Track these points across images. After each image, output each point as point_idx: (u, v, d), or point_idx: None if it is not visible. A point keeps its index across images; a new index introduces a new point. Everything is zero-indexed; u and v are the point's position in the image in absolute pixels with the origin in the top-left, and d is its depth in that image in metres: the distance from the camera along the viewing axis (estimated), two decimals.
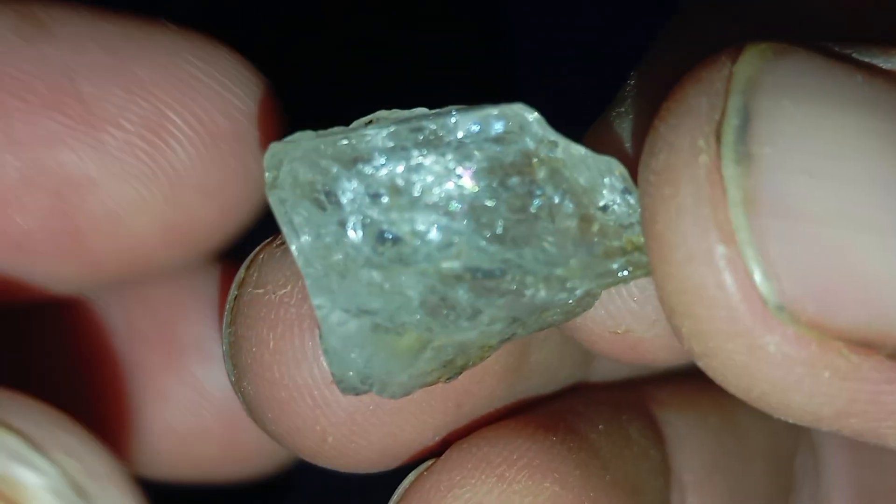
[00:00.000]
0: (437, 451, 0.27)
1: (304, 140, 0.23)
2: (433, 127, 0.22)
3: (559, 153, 0.22)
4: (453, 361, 0.24)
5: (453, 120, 0.22)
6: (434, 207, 0.22)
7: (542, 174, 0.22)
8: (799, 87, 0.20)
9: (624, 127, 0.25)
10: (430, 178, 0.22)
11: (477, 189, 0.22)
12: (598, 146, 0.23)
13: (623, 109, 0.25)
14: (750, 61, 0.20)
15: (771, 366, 0.19)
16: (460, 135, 0.22)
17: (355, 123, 0.23)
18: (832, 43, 0.21)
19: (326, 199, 0.22)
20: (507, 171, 0.22)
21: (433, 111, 0.23)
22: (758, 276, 0.19)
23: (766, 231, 0.19)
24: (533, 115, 0.22)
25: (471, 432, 0.28)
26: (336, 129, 0.23)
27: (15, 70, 0.24)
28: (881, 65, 0.21)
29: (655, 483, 0.29)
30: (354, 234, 0.22)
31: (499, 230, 0.22)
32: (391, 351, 0.23)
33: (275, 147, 0.23)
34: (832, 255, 0.19)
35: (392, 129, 0.22)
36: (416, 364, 0.23)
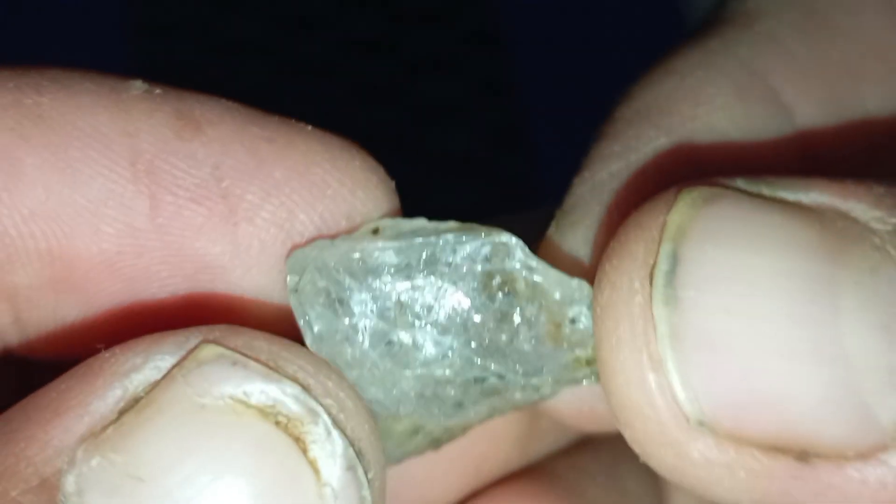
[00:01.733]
0: None
1: (321, 248, 0.28)
2: (432, 249, 0.27)
3: (537, 275, 0.27)
4: (439, 439, 0.30)
5: (449, 244, 0.27)
6: (432, 324, 0.27)
7: (522, 291, 0.27)
8: (722, 233, 0.24)
9: (578, 237, 0.30)
10: (429, 297, 0.27)
11: (468, 306, 0.27)
12: (556, 257, 0.28)
13: (575, 218, 0.30)
14: (681, 210, 0.25)
15: (696, 467, 0.24)
16: (455, 257, 0.27)
17: (362, 229, 0.28)
18: (763, 178, 0.26)
19: (340, 306, 0.27)
20: (492, 290, 0.27)
21: (432, 226, 0.28)
22: (682, 399, 0.24)
23: (688, 362, 0.24)
24: (517, 242, 0.27)
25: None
26: (345, 237, 0.28)
27: (168, 166, 0.28)
28: (802, 199, 0.25)
29: None
30: (363, 339, 0.27)
31: (486, 342, 0.27)
32: (388, 433, 0.29)
33: (297, 254, 0.28)
34: (744, 380, 0.23)
35: (397, 245, 0.27)
36: (409, 444, 0.29)
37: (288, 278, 0.28)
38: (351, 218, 0.29)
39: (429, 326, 0.27)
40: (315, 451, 0.24)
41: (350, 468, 0.24)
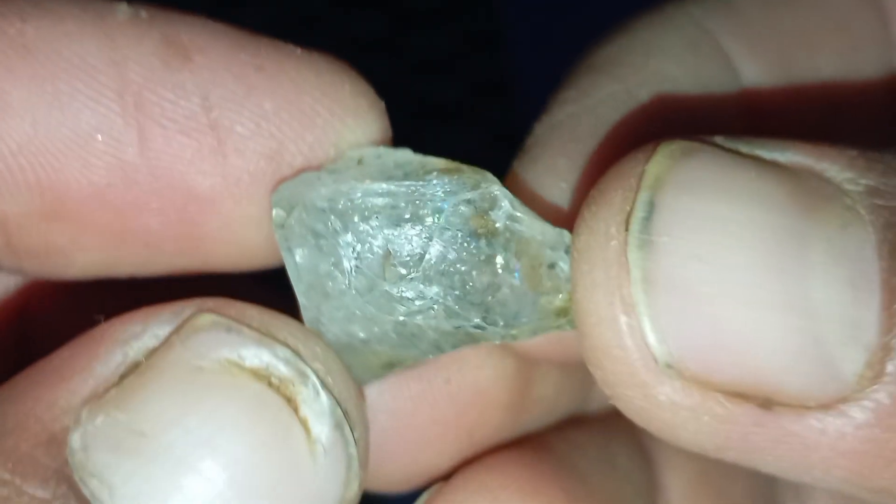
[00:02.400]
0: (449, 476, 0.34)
1: (307, 183, 0.29)
2: (419, 194, 0.28)
3: (521, 223, 0.28)
4: (407, 366, 0.31)
5: (437, 189, 0.28)
6: (417, 270, 0.28)
7: (506, 239, 0.28)
8: (698, 185, 0.25)
9: (538, 170, 0.31)
10: (415, 243, 0.28)
11: (453, 252, 0.28)
12: (520, 191, 0.29)
13: (535, 154, 0.32)
14: (660, 161, 0.26)
15: (662, 410, 0.25)
16: (442, 203, 0.28)
17: (347, 159, 0.29)
18: (741, 137, 0.27)
19: (326, 246, 0.28)
20: (477, 237, 0.28)
21: (417, 159, 0.28)
22: (651, 341, 0.25)
23: (659, 305, 0.25)
24: (501, 189, 0.28)
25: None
26: (330, 169, 0.29)
27: (156, 97, 0.29)
28: (778, 158, 0.26)
29: (639, 502, 0.36)
30: (348, 281, 0.28)
31: (469, 290, 0.28)
32: (366, 366, 0.30)
33: (282, 188, 0.29)
34: (712, 325, 0.24)
35: (385, 188, 0.28)
36: (385, 375, 0.30)
37: (273, 212, 0.29)
38: (339, 146, 0.30)
39: (414, 273, 0.28)
40: (305, 410, 0.26)
41: (338, 426, 0.26)
